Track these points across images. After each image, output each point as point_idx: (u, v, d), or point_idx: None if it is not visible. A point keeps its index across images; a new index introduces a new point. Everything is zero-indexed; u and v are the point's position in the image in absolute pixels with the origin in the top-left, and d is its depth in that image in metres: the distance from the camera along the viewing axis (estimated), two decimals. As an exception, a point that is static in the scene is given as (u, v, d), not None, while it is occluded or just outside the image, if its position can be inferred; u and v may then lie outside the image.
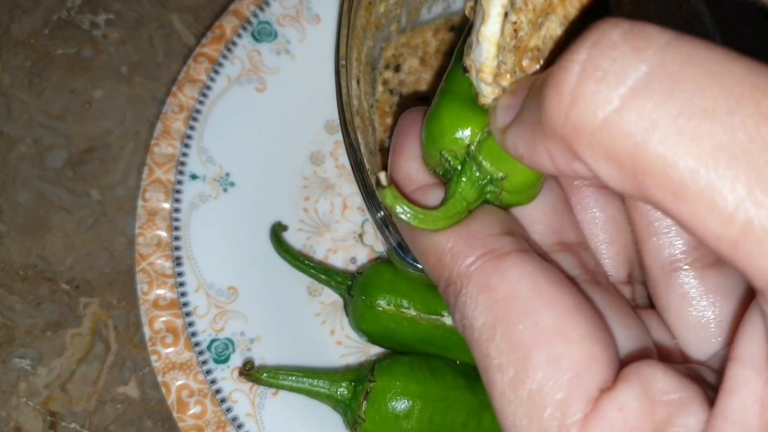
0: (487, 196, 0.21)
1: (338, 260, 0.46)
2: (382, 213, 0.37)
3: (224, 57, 0.46)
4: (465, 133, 0.21)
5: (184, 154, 0.45)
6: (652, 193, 0.14)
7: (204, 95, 0.46)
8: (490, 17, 0.19)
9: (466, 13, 0.22)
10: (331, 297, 0.45)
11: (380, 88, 0.45)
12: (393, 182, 0.23)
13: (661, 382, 0.17)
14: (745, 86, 0.13)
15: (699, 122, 0.13)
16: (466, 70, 0.21)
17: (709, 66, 0.14)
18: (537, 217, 0.22)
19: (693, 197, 0.14)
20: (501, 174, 0.21)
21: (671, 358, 0.21)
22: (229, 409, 0.42)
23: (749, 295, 0.20)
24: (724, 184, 0.13)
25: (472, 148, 0.21)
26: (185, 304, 0.43)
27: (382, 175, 0.21)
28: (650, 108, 0.14)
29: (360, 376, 0.40)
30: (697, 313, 0.21)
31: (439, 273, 0.20)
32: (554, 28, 0.20)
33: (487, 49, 0.20)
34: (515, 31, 0.20)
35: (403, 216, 0.20)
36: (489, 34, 0.19)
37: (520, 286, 0.18)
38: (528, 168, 0.19)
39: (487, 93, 0.20)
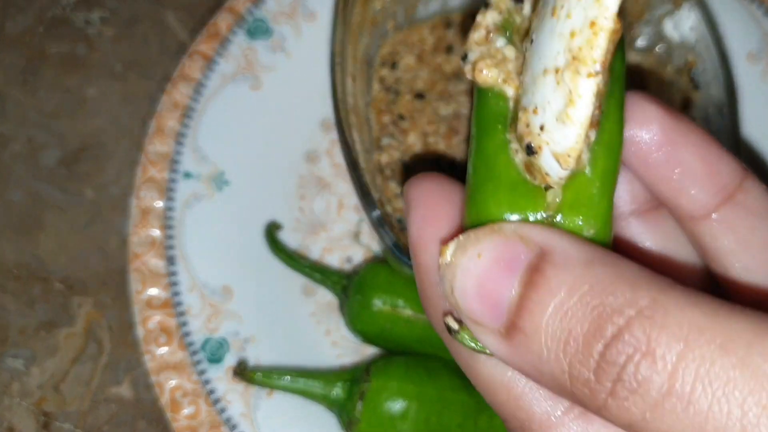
0: None
1: (334, 260, 0.46)
2: (377, 212, 0.36)
3: (219, 55, 0.46)
4: (534, 212, 0.18)
5: (178, 153, 0.45)
6: None
7: (198, 93, 0.45)
8: (582, 98, 0.17)
9: (470, 74, 0.19)
10: (326, 297, 0.45)
11: (376, 85, 0.45)
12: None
13: None
14: None
15: None
16: (532, 152, 0.18)
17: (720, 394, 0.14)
18: None
19: None
20: (592, 231, 0.18)
21: None
22: (223, 410, 0.41)
23: None
24: None
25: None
26: (179, 304, 0.43)
27: (451, 320, 0.18)
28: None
29: (355, 376, 0.40)
30: None
31: (506, 413, 0.19)
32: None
33: (577, 133, 0.17)
34: None
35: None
36: (581, 117, 0.17)
37: None
38: (608, 217, 0.18)
39: (562, 176, 0.18)
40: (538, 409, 0.18)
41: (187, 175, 0.44)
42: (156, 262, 0.43)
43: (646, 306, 0.15)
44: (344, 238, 0.46)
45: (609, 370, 0.15)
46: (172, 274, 0.43)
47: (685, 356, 0.14)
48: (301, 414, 0.42)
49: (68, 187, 0.48)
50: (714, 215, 0.20)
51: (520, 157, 0.18)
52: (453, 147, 0.43)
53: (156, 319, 0.42)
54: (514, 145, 0.18)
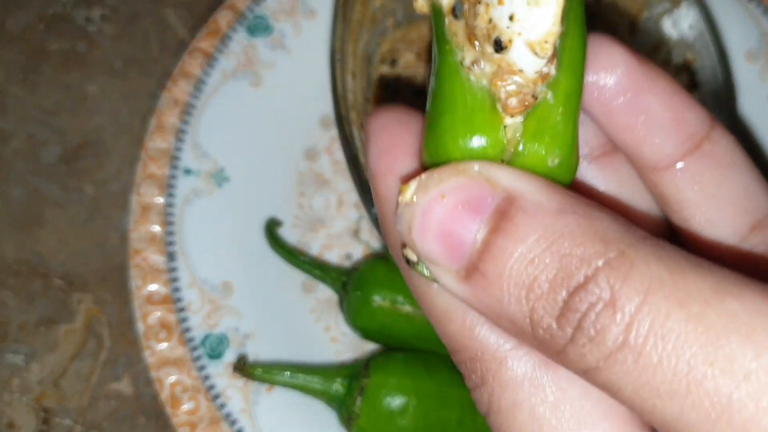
0: None
1: (333, 256, 0.46)
2: (377, 208, 0.36)
3: (219, 51, 0.46)
4: (494, 144, 0.17)
5: (178, 149, 0.45)
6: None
7: (198, 90, 0.45)
8: None
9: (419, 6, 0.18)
10: (325, 293, 0.45)
11: (376, 82, 0.45)
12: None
13: None
14: None
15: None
16: (502, 47, 0.16)
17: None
18: None
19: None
20: (557, 160, 0.17)
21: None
22: (222, 405, 0.42)
23: None
24: None
25: (507, 157, 0.17)
26: (179, 300, 0.43)
27: (410, 252, 0.17)
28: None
29: (355, 372, 0.40)
30: None
31: (460, 342, 0.18)
32: None
33: (554, 13, 0.16)
34: None
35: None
36: None
37: (573, 389, 0.17)
38: (573, 144, 0.17)
39: (539, 69, 0.17)
40: (492, 340, 0.17)
41: (188, 171, 0.45)
42: (156, 258, 0.43)
43: (613, 258, 0.15)
44: (344, 234, 0.46)
45: (571, 317, 0.15)
46: (172, 270, 0.43)
47: (642, 308, 0.14)
48: (301, 409, 0.42)
49: (68, 183, 0.48)
50: (679, 165, 0.20)
51: (476, 72, 0.17)
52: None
53: (156, 314, 0.42)
54: (468, 61, 0.17)
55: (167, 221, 0.44)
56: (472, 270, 0.16)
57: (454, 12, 0.17)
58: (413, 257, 0.17)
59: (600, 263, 0.15)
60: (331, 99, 0.39)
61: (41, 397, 0.45)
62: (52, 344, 0.45)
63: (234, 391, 0.42)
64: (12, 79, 0.50)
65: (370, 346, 0.45)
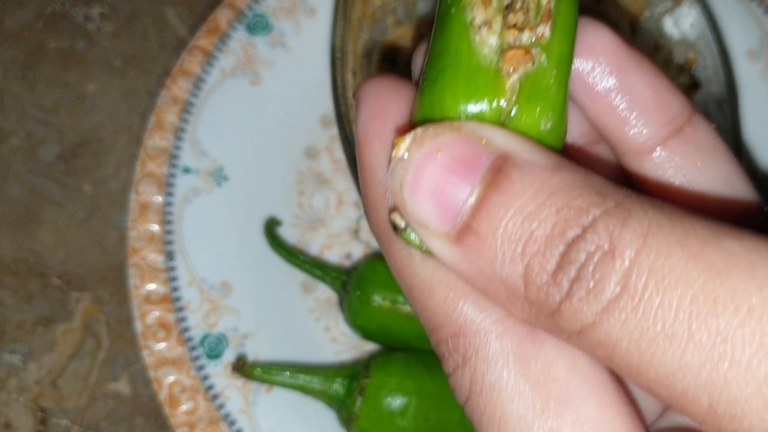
0: None
1: (333, 256, 0.46)
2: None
3: (219, 50, 0.46)
4: (493, 106, 0.17)
5: (178, 148, 0.44)
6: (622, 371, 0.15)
7: (198, 88, 0.45)
8: None
9: None
10: (325, 293, 0.45)
11: (376, 81, 0.45)
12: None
13: None
14: None
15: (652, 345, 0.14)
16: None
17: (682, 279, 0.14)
18: None
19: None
20: (549, 124, 0.17)
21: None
22: (221, 406, 0.41)
23: None
24: None
25: (502, 120, 0.17)
26: (177, 299, 0.42)
27: (397, 217, 0.17)
28: (618, 324, 0.14)
29: (355, 372, 0.40)
30: None
31: (442, 316, 0.17)
32: None
33: None
34: None
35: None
36: None
37: (559, 363, 0.16)
38: (564, 108, 0.17)
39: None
40: (477, 313, 0.16)
41: (186, 170, 0.44)
42: (155, 257, 0.43)
43: (611, 207, 0.14)
44: (344, 234, 0.46)
45: (568, 270, 0.14)
46: (171, 269, 0.43)
47: (642, 251, 0.14)
48: (300, 410, 0.42)
49: (67, 182, 0.48)
50: (660, 149, 0.19)
51: (484, 33, 0.17)
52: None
53: (154, 314, 0.42)
54: (478, 21, 0.17)
55: (166, 220, 0.43)
56: (464, 230, 0.15)
57: None
58: (401, 223, 0.17)
59: (598, 213, 0.14)
60: (331, 98, 0.38)
61: (39, 397, 0.44)
62: (49, 344, 0.45)
63: (233, 391, 0.42)
64: (10, 77, 0.49)
65: (369, 346, 0.44)
